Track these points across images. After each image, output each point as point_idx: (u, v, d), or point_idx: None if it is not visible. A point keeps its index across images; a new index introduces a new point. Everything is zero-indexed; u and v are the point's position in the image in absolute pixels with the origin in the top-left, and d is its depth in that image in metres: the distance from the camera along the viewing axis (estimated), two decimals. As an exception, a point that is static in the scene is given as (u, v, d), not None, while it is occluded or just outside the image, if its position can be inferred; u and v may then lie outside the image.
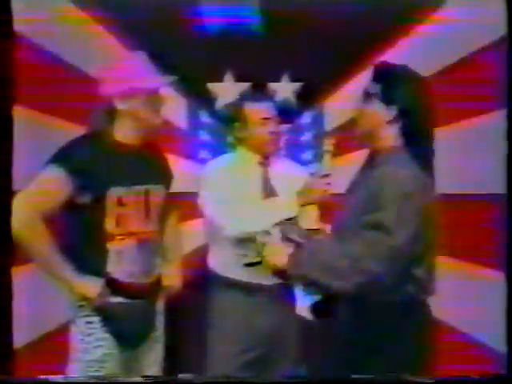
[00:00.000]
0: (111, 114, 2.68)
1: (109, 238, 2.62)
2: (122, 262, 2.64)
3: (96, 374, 2.59)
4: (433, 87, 3.55)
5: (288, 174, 3.21)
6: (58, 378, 2.79)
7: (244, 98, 3.39)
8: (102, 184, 2.60)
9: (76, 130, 3.60)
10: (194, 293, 3.28)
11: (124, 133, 2.68)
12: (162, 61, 2.96)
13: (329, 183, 2.89)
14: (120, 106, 2.65)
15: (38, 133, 3.58)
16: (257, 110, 3.13)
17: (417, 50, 3.60)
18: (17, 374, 3.48)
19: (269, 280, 2.91)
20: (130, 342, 2.69)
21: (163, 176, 2.84)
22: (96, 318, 2.63)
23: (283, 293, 3.13)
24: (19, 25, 3.60)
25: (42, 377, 2.61)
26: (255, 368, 3.08)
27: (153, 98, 2.68)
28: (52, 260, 2.58)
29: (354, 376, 2.29)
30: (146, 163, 2.71)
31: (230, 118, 3.23)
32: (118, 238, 2.63)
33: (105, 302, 2.61)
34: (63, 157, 2.60)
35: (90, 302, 2.60)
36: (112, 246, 2.63)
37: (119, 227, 2.63)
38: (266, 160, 3.19)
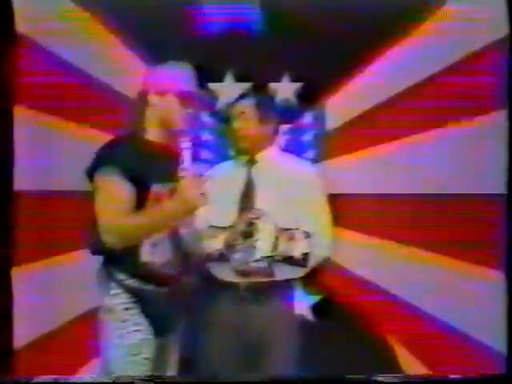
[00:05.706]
0: (144, 110, 2.76)
1: None
2: (156, 253, 2.71)
3: (135, 358, 2.63)
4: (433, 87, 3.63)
5: (278, 169, 3.09)
6: (59, 378, 2.81)
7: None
8: (145, 183, 2.67)
9: (77, 130, 3.64)
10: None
11: (153, 132, 2.77)
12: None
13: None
14: (153, 101, 2.74)
15: (38, 133, 3.60)
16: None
17: (417, 50, 3.60)
18: (17, 373, 3.50)
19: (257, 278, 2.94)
20: (163, 329, 2.76)
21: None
22: (133, 305, 2.68)
23: (274, 292, 3.07)
24: (21, 25, 3.62)
25: (42, 377, 2.62)
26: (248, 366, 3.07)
27: (182, 102, 2.75)
28: (156, 219, 2.65)
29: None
30: (169, 161, 2.77)
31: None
32: None
33: (142, 287, 2.68)
34: (116, 161, 2.64)
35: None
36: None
37: None
38: (252, 158, 3.10)
